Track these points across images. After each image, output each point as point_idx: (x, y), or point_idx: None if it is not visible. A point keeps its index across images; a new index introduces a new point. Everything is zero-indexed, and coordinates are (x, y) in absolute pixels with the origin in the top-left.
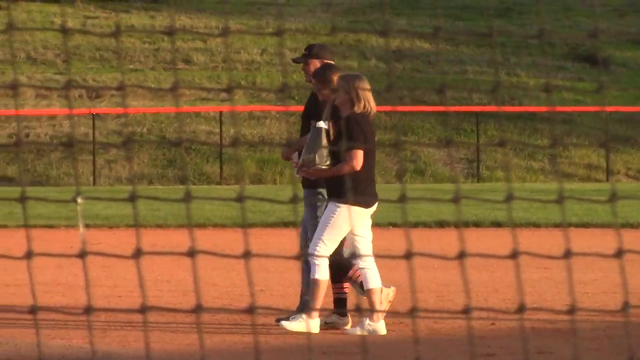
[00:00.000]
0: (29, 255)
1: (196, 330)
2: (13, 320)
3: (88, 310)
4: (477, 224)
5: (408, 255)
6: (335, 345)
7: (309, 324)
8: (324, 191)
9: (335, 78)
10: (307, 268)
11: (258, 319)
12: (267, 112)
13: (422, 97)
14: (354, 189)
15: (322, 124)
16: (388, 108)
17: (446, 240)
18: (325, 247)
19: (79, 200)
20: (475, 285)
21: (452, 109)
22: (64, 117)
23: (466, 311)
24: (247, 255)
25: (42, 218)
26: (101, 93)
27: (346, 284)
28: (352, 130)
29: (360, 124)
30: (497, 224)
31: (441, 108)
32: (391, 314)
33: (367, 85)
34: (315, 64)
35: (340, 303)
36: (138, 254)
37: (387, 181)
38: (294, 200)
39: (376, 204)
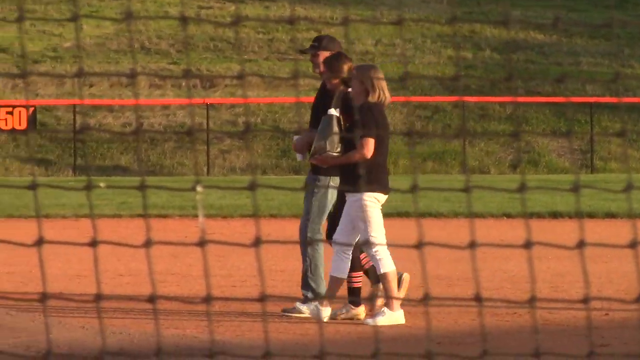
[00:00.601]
0: (147, 243)
1: (312, 321)
2: (127, 310)
3: (207, 299)
4: (591, 215)
5: (527, 245)
6: (452, 336)
7: (322, 311)
8: (323, 178)
9: (345, 67)
10: (304, 251)
11: (368, 308)
12: None
13: (536, 88)
14: (370, 177)
15: (333, 112)
16: (507, 99)
17: (560, 231)
18: (378, 239)
19: (199, 188)
20: (589, 276)
21: (571, 99)
22: (177, 107)
23: (585, 301)
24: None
25: (156, 208)
26: (215, 83)
27: (358, 273)
28: (364, 118)
29: (374, 112)
30: (612, 215)
31: (559, 99)
32: (507, 304)
33: (381, 75)
34: (325, 55)
35: (353, 292)
36: (257, 242)
37: (501, 172)
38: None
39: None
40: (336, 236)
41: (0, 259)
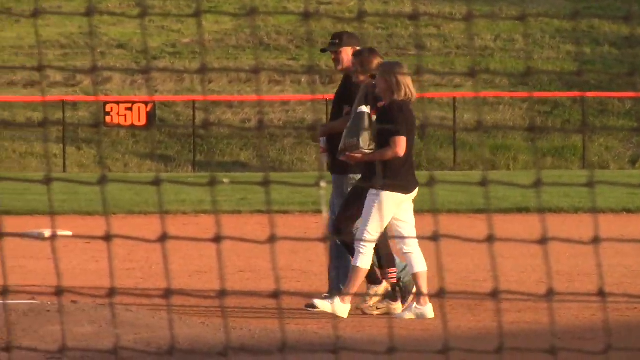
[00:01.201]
0: (271, 239)
1: (440, 316)
2: (247, 307)
3: (330, 294)
4: None
5: None
6: (573, 331)
7: (339, 307)
8: (356, 177)
9: (375, 63)
10: (335, 251)
11: (496, 305)
12: (500, 98)
13: None
14: (392, 176)
15: (364, 109)
16: (629, 94)
17: None
18: (370, 236)
19: (322, 184)
20: None
21: None
22: (296, 103)
23: None
24: (490, 239)
25: (277, 204)
26: (334, 79)
27: (393, 269)
28: (395, 116)
29: (404, 110)
30: None
31: None
32: (628, 299)
33: (407, 72)
34: (347, 51)
35: (390, 287)
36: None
37: (621, 167)
38: (484, 182)
39: (416, 190)
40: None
41: (121, 255)
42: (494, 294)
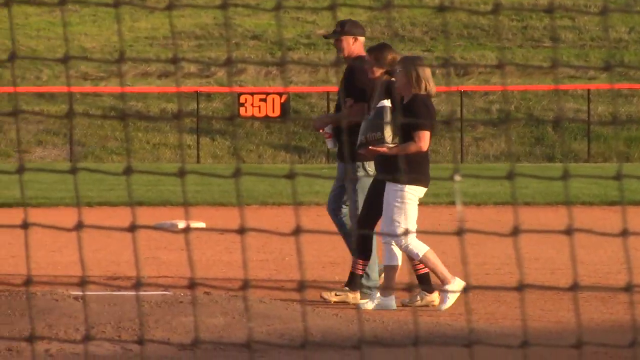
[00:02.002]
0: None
1: (572, 308)
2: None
3: (467, 288)
4: None
5: None
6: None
7: (386, 303)
8: (365, 165)
9: (389, 58)
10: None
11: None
12: (634, 91)
13: None
14: (416, 169)
15: (386, 103)
16: None
17: None
18: (403, 228)
19: (457, 177)
20: None
21: None
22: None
23: None
24: (624, 233)
25: None
26: (469, 70)
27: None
28: (419, 110)
29: (427, 105)
30: None
31: None
32: None
33: (426, 67)
34: (348, 40)
35: (423, 280)
36: (515, 231)
37: None
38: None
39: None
40: (382, 226)
41: (254, 246)
42: (628, 288)
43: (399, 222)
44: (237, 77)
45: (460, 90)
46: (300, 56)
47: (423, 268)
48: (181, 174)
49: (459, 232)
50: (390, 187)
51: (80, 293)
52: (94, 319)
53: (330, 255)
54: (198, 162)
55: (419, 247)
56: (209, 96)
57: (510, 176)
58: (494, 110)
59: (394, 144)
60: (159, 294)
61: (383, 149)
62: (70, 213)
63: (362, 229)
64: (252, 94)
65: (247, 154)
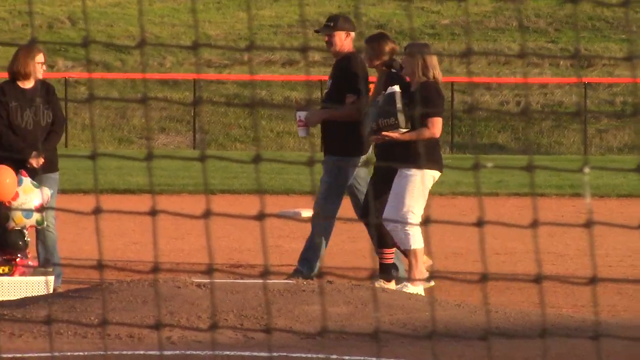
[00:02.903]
0: (533, 224)
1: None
2: (503, 288)
3: (593, 280)
4: None
5: None
6: None
7: (419, 289)
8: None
9: (387, 49)
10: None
11: None
12: None
13: None
14: (430, 153)
15: (396, 88)
16: None
17: None
18: (414, 216)
19: (586, 170)
20: None
21: None
22: (554, 86)
23: None
24: None
25: (533, 186)
26: (593, 62)
27: (390, 250)
28: (431, 97)
29: (439, 91)
30: None
31: None
32: None
33: (433, 54)
34: (341, 35)
35: (384, 268)
36: None
37: None
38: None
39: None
40: (389, 212)
41: None
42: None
43: (411, 207)
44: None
45: (584, 82)
46: None
47: (390, 259)
48: (310, 162)
49: (587, 225)
50: (404, 173)
51: (202, 280)
52: (216, 307)
53: (453, 245)
54: (322, 150)
55: (417, 240)
56: None
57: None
58: (617, 103)
59: (406, 129)
60: (281, 283)
61: (396, 135)
62: (194, 201)
63: (370, 219)
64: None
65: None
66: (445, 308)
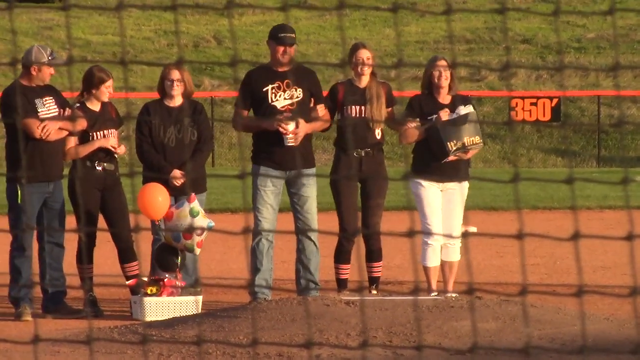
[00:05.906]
0: (629, 237)
1: None
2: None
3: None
4: None
5: None
6: None
7: None
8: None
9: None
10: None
11: None
12: None
13: None
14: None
15: (471, 108)
16: None
17: None
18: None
19: None
20: None
21: None
22: None
23: None
24: None
25: None
26: None
27: (346, 265)
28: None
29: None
30: None
31: None
32: None
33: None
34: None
35: (341, 283)
36: None
37: None
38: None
39: None
40: (436, 228)
41: (526, 250)
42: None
43: (460, 221)
44: (508, 80)
45: None
46: (570, 60)
47: (346, 274)
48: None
49: None
50: (463, 187)
51: (351, 298)
52: (365, 324)
53: (600, 259)
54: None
55: (429, 258)
56: (479, 100)
57: None
58: None
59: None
60: (429, 299)
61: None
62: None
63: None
64: (522, 97)
65: (518, 158)
66: (594, 322)
